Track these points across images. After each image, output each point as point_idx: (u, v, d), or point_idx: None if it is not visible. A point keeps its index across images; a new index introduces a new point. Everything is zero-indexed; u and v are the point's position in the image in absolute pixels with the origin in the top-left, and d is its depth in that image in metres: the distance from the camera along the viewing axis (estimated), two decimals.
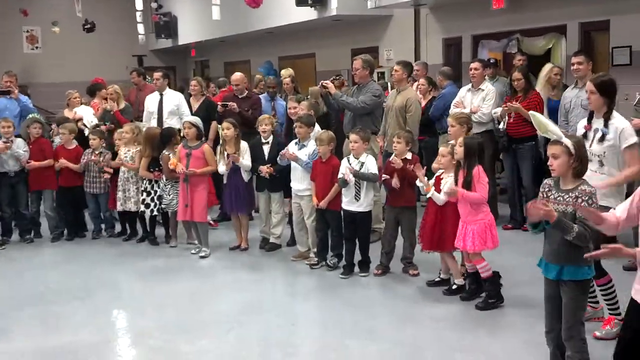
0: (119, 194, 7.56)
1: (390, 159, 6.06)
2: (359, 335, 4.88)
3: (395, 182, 5.93)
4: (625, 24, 8.59)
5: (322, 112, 7.95)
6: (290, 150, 6.56)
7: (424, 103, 8.25)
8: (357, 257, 6.26)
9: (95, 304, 5.76)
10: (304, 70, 14.33)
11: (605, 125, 4.56)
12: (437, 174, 5.67)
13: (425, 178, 5.63)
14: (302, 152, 6.52)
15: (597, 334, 4.52)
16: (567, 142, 3.64)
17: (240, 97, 8.58)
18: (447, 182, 5.43)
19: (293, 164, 6.54)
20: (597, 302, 4.82)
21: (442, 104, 8.16)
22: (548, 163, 3.76)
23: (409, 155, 6.05)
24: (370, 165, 6.08)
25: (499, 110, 7.40)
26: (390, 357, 4.52)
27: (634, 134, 4.60)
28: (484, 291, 5.31)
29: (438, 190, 5.52)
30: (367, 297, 5.73)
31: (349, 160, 6.15)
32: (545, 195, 3.79)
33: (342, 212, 6.28)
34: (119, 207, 7.63)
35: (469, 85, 7.87)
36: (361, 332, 4.94)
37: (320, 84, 7.26)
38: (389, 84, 10.19)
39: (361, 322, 5.14)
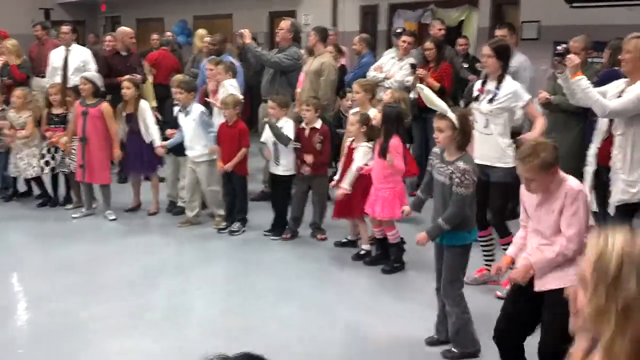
0: (11, 159, 7.12)
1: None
2: (265, 298, 4.88)
3: (306, 169, 5.93)
4: None
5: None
6: (175, 113, 6.45)
7: None
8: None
9: None
10: (219, 31, 13.97)
11: (497, 87, 4.76)
12: (347, 144, 5.67)
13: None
14: (188, 118, 6.34)
15: (499, 293, 4.74)
16: (452, 116, 3.76)
17: (123, 54, 8.29)
18: (360, 150, 5.44)
19: (184, 129, 6.38)
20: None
21: (362, 74, 8.09)
22: (434, 136, 3.89)
23: (317, 124, 6.01)
24: (287, 130, 6.01)
25: (410, 79, 7.46)
26: (297, 319, 4.54)
27: (525, 92, 4.83)
28: (388, 258, 5.40)
29: (351, 159, 5.52)
30: (276, 260, 5.71)
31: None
32: (432, 164, 3.98)
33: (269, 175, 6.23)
34: (14, 173, 7.22)
35: (393, 53, 7.84)
36: (268, 294, 4.95)
37: (239, 32, 7.06)
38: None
39: (269, 285, 5.14)
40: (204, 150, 6.32)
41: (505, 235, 4.83)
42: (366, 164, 5.40)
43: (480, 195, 4.49)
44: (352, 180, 5.48)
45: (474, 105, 4.92)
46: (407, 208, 4.56)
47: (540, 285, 3.24)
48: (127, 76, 7.34)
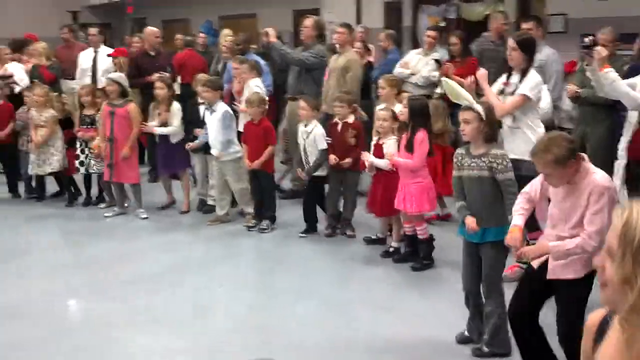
0: (32, 157, 7.23)
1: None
2: (290, 296, 4.90)
3: (333, 158, 5.92)
4: None
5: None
6: (201, 114, 6.48)
7: None
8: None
9: (20, 266, 5.62)
10: (245, 31, 14.05)
11: (521, 80, 4.73)
12: (374, 141, 5.66)
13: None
14: (213, 116, 6.37)
15: None
16: (478, 107, 3.73)
17: (152, 54, 8.38)
18: (389, 145, 5.43)
19: (209, 127, 6.41)
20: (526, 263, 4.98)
21: (388, 71, 8.07)
22: (460, 128, 3.84)
23: (350, 119, 6.02)
24: (318, 138, 6.02)
25: (436, 74, 7.45)
26: (321, 317, 4.55)
27: (536, 88, 4.75)
28: (417, 256, 5.38)
29: (379, 153, 5.52)
30: (303, 258, 5.74)
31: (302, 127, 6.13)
32: (459, 165, 3.88)
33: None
34: (35, 171, 7.32)
35: (420, 49, 7.84)
36: (293, 292, 4.97)
37: (264, 31, 7.10)
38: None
39: (294, 282, 5.17)
40: (227, 149, 6.36)
41: (535, 229, 4.79)
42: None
43: None
44: (378, 165, 5.44)
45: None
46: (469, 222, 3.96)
47: (552, 274, 3.26)
48: (157, 75, 7.45)
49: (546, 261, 3.30)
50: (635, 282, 1.43)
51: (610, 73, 4.28)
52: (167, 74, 8.05)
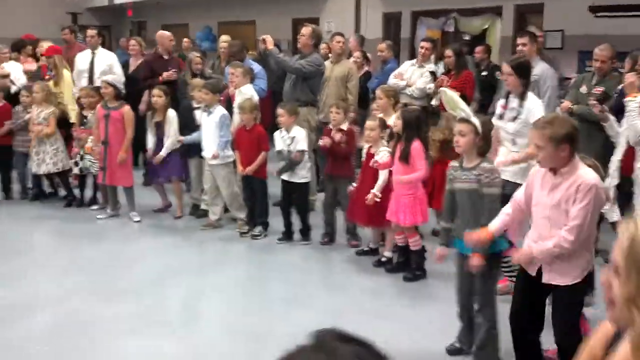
0: (33, 156, 7.25)
1: (321, 142, 6.03)
2: (282, 302, 4.92)
3: (327, 140, 5.92)
4: (558, 7, 8.82)
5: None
6: (198, 116, 6.51)
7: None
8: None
9: (14, 267, 5.62)
10: (243, 38, 14.11)
11: (521, 104, 4.73)
12: (366, 148, 5.69)
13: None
14: (209, 118, 6.39)
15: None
16: (475, 121, 3.75)
17: (165, 58, 8.39)
18: (382, 155, 5.45)
19: (204, 129, 6.44)
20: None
21: (386, 80, 8.10)
22: (454, 140, 3.85)
23: (344, 126, 6.06)
24: (300, 140, 6.05)
25: (432, 86, 7.49)
26: (313, 325, 4.47)
27: (542, 113, 4.75)
28: (409, 266, 5.40)
29: (369, 165, 5.54)
30: (295, 265, 5.75)
31: (280, 133, 6.13)
32: (452, 178, 3.91)
33: (282, 182, 6.21)
34: (34, 170, 7.33)
35: (414, 60, 7.90)
36: (285, 298, 4.99)
37: (261, 38, 7.12)
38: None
39: (286, 289, 5.18)
40: (220, 152, 6.36)
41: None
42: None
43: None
44: (382, 185, 5.46)
45: (497, 122, 4.87)
46: (440, 252, 4.11)
47: (547, 278, 3.31)
48: (167, 73, 7.68)
49: (540, 266, 3.34)
50: None
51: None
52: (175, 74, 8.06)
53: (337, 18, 12.46)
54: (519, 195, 3.50)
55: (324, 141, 5.95)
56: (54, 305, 4.90)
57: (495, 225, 3.55)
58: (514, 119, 4.73)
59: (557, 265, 3.25)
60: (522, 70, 4.75)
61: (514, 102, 4.79)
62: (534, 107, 4.71)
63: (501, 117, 4.85)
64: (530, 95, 4.80)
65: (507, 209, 3.54)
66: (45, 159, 7.19)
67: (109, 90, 6.78)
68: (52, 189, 7.79)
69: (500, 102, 4.96)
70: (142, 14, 18.79)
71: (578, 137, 3.17)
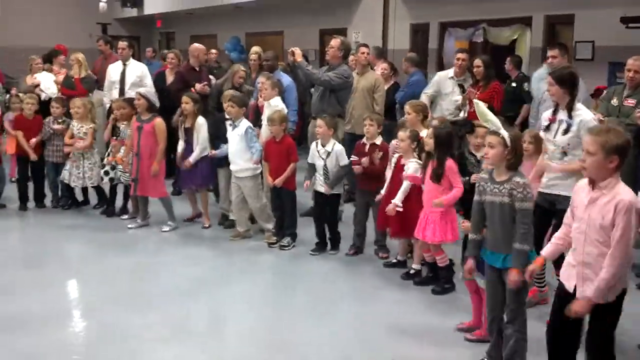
0: (68, 169, 7.37)
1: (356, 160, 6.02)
2: (308, 314, 4.93)
3: (365, 161, 5.92)
4: (589, 18, 8.73)
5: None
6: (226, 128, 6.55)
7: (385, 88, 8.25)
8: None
9: (46, 275, 5.69)
10: (271, 48, 14.20)
11: (570, 116, 4.62)
12: (396, 158, 5.68)
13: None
14: (235, 132, 6.42)
15: None
16: (504, 133, 3.73)
17: (197, 69, 8.46)
18: (410, 166, 5.45)
19: (230, 142, 6.47)
20: (544, 286, 4.97)
21: (411, 93, 8.09)
22: (483, 151, 3.86)
23: (378, 140, 6.04)
24: (340, 156, 6.07)
25: (460, 98, 7.46)
26: (338, 337, 4.56)
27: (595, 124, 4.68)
28: (438, 279, 5.37)
29: (400, 173, 5.53)
30: (323, 277, 5.76)
31: (317, 147, 6.16)
32: (482, 189, 3.89)
33: (312, 193, 6.24)
34: (72, 182, 7.43)
35: (451, 72, 7.74)
36: (311, 310, 5.00)
37: (290, 50, 7.16)
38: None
39: (313, 300, 5.19)
40: (246, 164, 6.38)
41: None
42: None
43: (540, 223, 4.47)
44: (403, 196, 5.46)
45: (544, 135, 4.79)
46: (466, 225, 4.28)
47: (580, 293, 3.28)
48: (199, 86, 7.89)
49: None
50: None
51: None
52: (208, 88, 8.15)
53: (365, 29, 12.48)
54: (568, 219, 3.46)
55: (363, 162, 5.93)
56: (86, 314, 4.97)
57: (547, 251, 3.56)
58: (565, 131, 4.62)
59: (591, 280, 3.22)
60: (564, 80, 4.62)
61: (562, 114, 4.70)
62: (588, 119, 4.59)
63: (547, 128, 4.77)
64: (580, 106, 4.68)
65: (560, 234, 3.50)
66: (82, 175, 7.33)
67: (142, 102, 6.88)
68: (84, 197, 7.89)
69: (547, 114, 4.88)
70: (171, 24, 19.03)
71: (629, 152, 3.15)
